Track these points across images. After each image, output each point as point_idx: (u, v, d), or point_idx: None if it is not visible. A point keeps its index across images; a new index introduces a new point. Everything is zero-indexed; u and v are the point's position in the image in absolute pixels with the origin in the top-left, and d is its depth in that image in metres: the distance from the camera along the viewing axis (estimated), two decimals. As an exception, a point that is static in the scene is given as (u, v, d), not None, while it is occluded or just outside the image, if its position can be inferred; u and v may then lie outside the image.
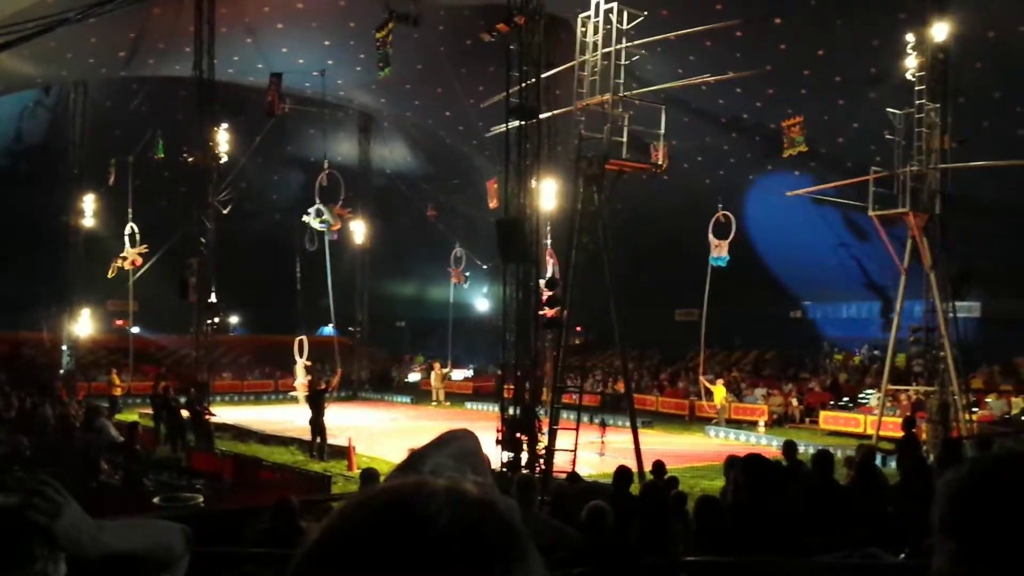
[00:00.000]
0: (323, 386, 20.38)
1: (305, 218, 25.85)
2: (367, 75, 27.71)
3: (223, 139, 24.35)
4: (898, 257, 18.79)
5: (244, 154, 27.87)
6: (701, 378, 24.90)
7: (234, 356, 35.65)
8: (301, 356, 24.50)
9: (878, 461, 9.78)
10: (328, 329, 29.59)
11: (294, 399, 26.31)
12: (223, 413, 23.83)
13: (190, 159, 23.72)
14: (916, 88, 18.28)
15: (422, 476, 0.83)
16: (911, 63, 18.37)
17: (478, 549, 0.70)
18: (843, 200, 21.84)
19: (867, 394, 25.02)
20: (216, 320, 24.39)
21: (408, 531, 0.70)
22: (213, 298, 23.43)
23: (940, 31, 17.93)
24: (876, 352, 26.67)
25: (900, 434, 14.36)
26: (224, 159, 24.45)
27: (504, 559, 0.70)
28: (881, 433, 18.77)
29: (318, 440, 18.72)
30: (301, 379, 24.84)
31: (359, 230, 33.79)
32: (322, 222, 25.71)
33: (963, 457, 7.32)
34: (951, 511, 1.30)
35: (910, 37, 18.33)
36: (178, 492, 10.78)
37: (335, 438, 18.83)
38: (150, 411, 21.91)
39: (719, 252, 23.04)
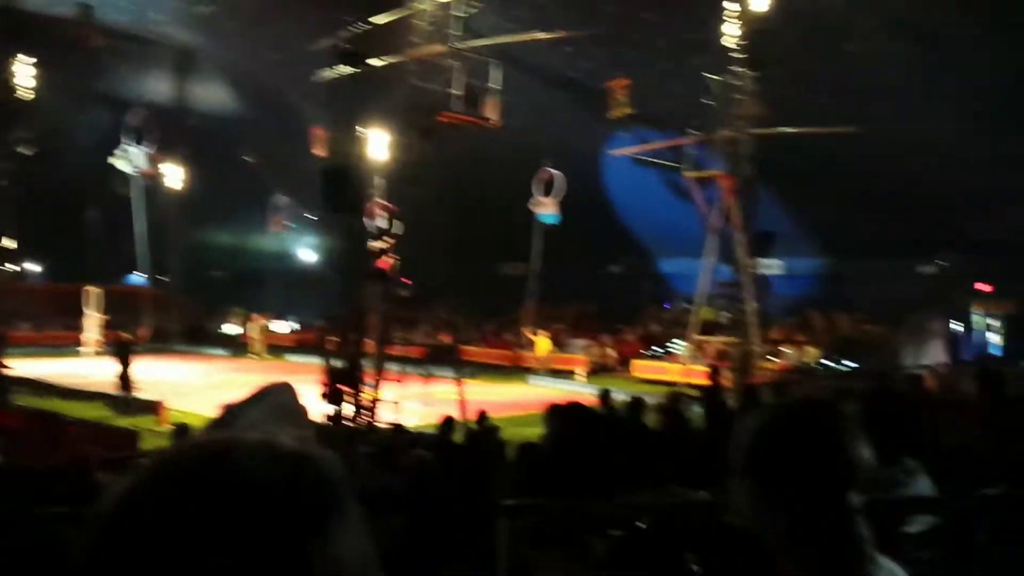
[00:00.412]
0: (129, 337, 19.28)
1: (112, 159, 24.19)
2: (186, 10, 26.05)
3: (26, 73, 22.23)
4: (709, 217, 19.84)
5: (49, 91, 25.62)
6: (525, 330, 25.51)
7: (35, 306, 33.05)
8: (91, 307, 23.13)
9: (685, 407, 10.37)
10: (136, 278, 28.03)
11: (83, 353, 25.14)
12: (20, 366, 22.16)
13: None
14: (733, 56, 19.18)
15: (235, 431, 0.79)
16: (730, 31, 19.23)
17: (294, 503, 0.68)
18: (663, 161, 22.79)
19: (676, 344, 26.47)
20: (15, 268, 22.54)
21: (220, 487, 0.67)
22: (9, 243, 21.59)
23: (759, 1, 18.82)
24: (686, 305, 28.23)
25: (706, 382, 15.34)
26: (27, 95, 22.37)
27: (321, 513, 0.69)
28: (689, 380, 19.95)
29: (125, 394, 17.85)
30: (93, 332, 23.54)
31: (174, 174, 32.01)
32: (133, 166, 24.17)
33: (761, 402, 7.88)
34: (748, 452, 1.40)
35: (730, 5, 19.16)
36: (-32, 451, 9.98)
37: (144, 392, 17.98)
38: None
39: (546, 209, 23.57)
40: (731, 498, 1.43)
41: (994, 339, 23.10)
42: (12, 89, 21.82)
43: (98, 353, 26.07)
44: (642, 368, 25.31)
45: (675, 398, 9.05)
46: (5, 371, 18.87)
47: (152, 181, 26.46)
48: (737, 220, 19.27)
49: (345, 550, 0.69)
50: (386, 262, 15.11)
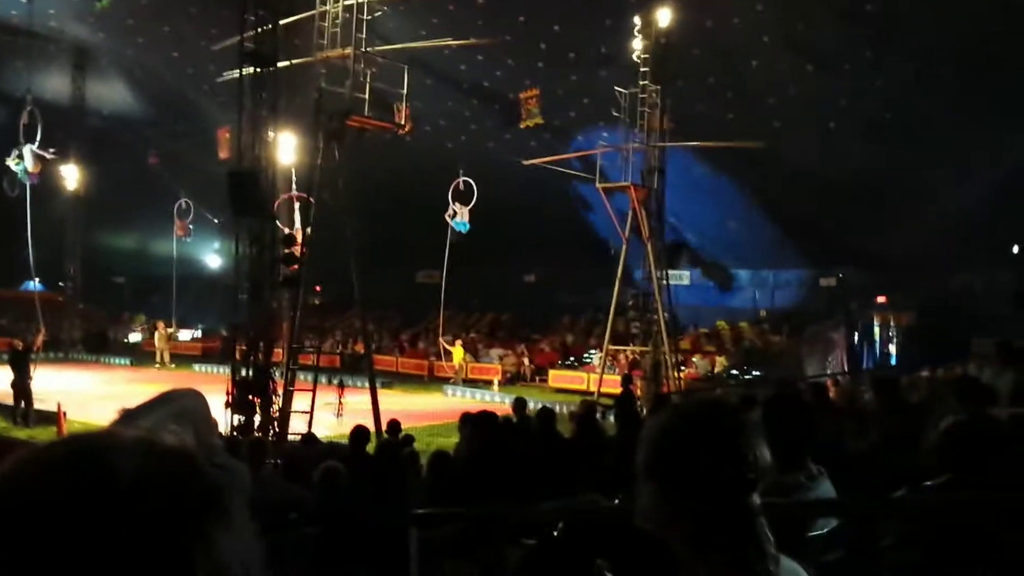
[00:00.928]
0: (23, 346, 18.40)
1: (8, 161, 23.17)
2: (83, 5, 25.11)
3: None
4: (620, 227, 20.16)
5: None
6: (440, 339, 25.41)
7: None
8: None
9: (598, 415, 10.51)
10: (32, 284, 26.85)
11: None
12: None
13: None
14: (641, 69, 19.59)
15: (113, 428, 0.75)
16: (637, 45, 19.65)
17: (170, 503, 0.64)
18: (573, 172, 23.06)
19: (591, 354, 26.79)
20: None
21: (91, 483, 0.62)
22: None
23: (664, 17, 19.31)
24: (600, 315, 28.59)
25: (618, 390, 15.56)
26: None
27: (200, 514, 0.65)
28: (602, 390, 20.21)
29: (22, 405, 17.08)
30: None
31: (71, 175, 30.78)
32: (18, 165, 23.19)
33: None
34: (651, 455, 1.41)
35: (637, 20, 19.59)
36: None
37: (43, 403, 17.23)
38: None
39: (461, 217, 23.56)
40: (638, 503, 1.43)
41: (891, 349, 24.11)
42: None
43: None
44: (558, 378, 25.52)
45: (588, 407, 9.14)
46: None
47: (49, 182, 25.35)
48: (645, 230, 19.62)
49: (229, 553, 0.66)
50: (295, 268, 14.83)
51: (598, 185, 20.26)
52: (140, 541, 0.61)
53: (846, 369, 21.66)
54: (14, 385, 17.16)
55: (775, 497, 2.44)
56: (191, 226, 30.84)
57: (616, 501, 4.42)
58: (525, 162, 23.21)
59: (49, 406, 16.76)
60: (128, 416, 1.39)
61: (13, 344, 18.33)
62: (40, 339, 20.77)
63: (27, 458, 0.66)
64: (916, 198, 21.94)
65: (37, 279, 25.39)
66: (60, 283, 32.97)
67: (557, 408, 15.10)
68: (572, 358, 27.71)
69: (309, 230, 15.54)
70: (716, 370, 24.50)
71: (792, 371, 22.17)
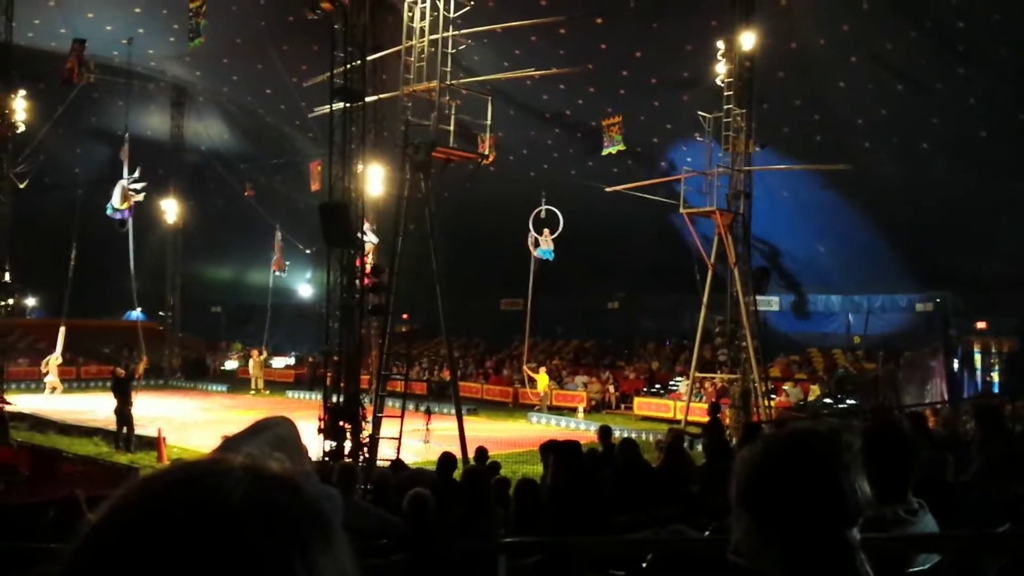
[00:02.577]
0: (125, 374, 19.10)
1: (113, 195, 24.42)
2: (181, 46, 26.29)
3: (20, 107, 22.36)
4: (706, 253, 19.90)
5: (44, 124, 25.75)
6: (525, 367, 25.45)
7: (31, 340, 32.98)
8: (56, 347, 23.35)
9: (686, 444, 10.34)
10: (135, 314, 28.03)
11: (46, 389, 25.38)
12: (19, 401, 22.06)
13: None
14: (724, 93, 19.39)
15: (222, 455, 0.80)
16: (721, 69, 19.47)
17: (275, 527, 0.67)
18: (657, 197, 22.91)
19: (677, 382, 26.41)
20: (10, 302, 22.46)
21: (200, 507, 0.66)
22: (7, 277, 21.54)
23: (747, 40, 19.09)
24: (685, 342, 28.19)
25: (706, 419, 15.29)
26: (21, 128, 22.45)
27: (303, 538, 0.68)
28: (689, 418, 19.88)
29: (124, 430, 17.71)
30: (53, 375, 23.85)
31: (170, 209, 32.11)
32: (126, 201, 24.34)
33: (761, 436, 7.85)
34: (745, 486, 1.38)
35: (720, 44, 19.42)
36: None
37: (144, 428, 17.88)
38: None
39: (545, 245, 23.62)
40: (731, 535, 1.40)
41: (993, 376, 23.08)
42: (14, 125, 21.88)
43: (53, 390, 26.26)
44: (643, 405, 25.25)
45: (675, 435, 9.01)
46: (3, 406, 18.76)
47: (150, 216, 26.57)
48: (731, 255, 19.31)
49: (329, 573, 0.69)
50: (382, 297, 15.11)
51: (683, 210, 20.06)
52: (247, 561, 0.65)
53: (946, 397, 20.80)
54: (117, 411, 17.83)
55: (874, 531, 2.35)
56: (286, 262, 31.82)
57: (706, 533, 4.33)
58: (608, 189, 23.16)
59: (150, 431, 17.39)
60: (228, 444, 1.46)
61: (115, 372, 19.09)
62: (141, 367, 21.65)
63: (143, 483, 0.70)
64: (1014, 218, 21.04)
65: (139, 309, 26.49)
66: (160, 313, 34.28)
67: (643, 436, 14.95)
68: (658, 385, 27.38)
69: (396, 260, 15.81)
70: (809, 399, 23.84)
71: (889, 400, 21.41)
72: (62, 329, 24.17)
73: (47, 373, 26.76)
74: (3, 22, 21.03)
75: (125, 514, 0.67)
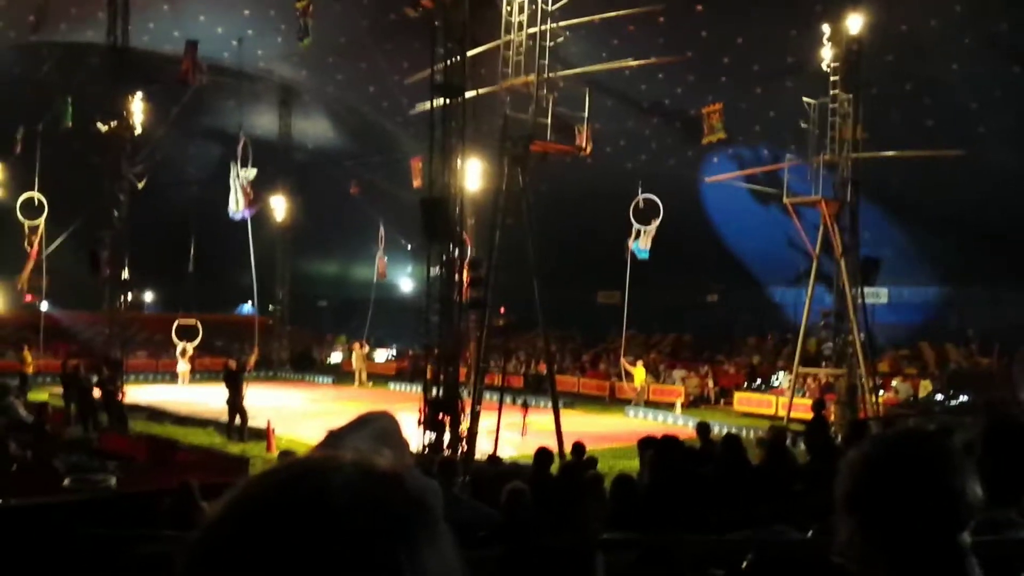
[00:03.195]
0: (236, 366, 19.80)
1: (231, 194, 25.47)
2: (287, 46, 27.13)
3: (137, 109, 23.48)
4: (810, 243, 19.35)
5: (159, 125, 26.98)
6: (623, 360, 25.29)
7: (148, 334, 34.65)
8: (182, 339, 24.17)
9: (788, 442, 10.10)
10: (247, 307, 29.10)
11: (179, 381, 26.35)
12: (137, 393, 23.17)
13: (103, 128, 22.79)
14: (831, 79, 18.80)
15: (330, 451, 0.83)
16: (826, 54, 18.88)
17: (383, 522, 0.70)
18: (759, 187, 22.39)
19: (778, 376, 25.79)
20: (129, 297, 23.64)
21: (310, 504, 0.70)
22: (126, 274, 22.67)
23: (854, 23, 18.46)
24: (788, 336, 27.48)
25: (810, 415, 14.88)
26: (138, 130, 23.57)
27: (410, 533, 0.71)
28: (792, 415, 19.39)
29: (236, 421, 18.33)
30: (183, 365, 24.71)
31: (279, 206, 33.16)
32: (240, 199, 25.26)
33: (868, 436, 7.60)
34: (852, 488, 1.35)
35: (826, 28, 18.83)
36: (89, 473, 10.47)
37: (253, 419, 18.48)
38: (61, 390, 21.16)
39: (643, 245, 23.28)
40: (836, 537, 1.37)
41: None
42: (131, 126, 22.97)
43: (188, 382, 27.29)
44: (744, 401, 24.76)
45: (778, 432, 8.81)
46: (122, 398, 19.76)
47: (259, 212, 27.47)
48: (837, 246, 18.71)
49: (434, 565, 0.72)
50: (481, 291, 15.26)
51: (786, 200, 19.55)
52: (355, 554, 0.69)
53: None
54: (228, 402, 18.52)
55: (986, 535, 2.26)
56: (385, 257, 32.52)
57: (809, 533, 4.22)
58: (708, 179, 22.78)
59: (259, 423, 18.01)
60: (333, 436, 1.52)
61: (227, 364, 19.81)
62: (253, 359, 22.42)
63: (254, 481, 0.75)
64: None
65: (250, 303, 27.49)
66: (270, 307, 35.47)
67: (743, 432, 14.65)
68: (759, 380, 26.78)
69: (494, 254, 15.94)
70: (920, 395, 22.93)
71: (1004, 395, 20.39)
72: (196, 322, 24.99)
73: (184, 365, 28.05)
74: (120, 27, 22.08)
75: (241, 511, 0.71)
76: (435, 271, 14.74)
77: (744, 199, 24.90)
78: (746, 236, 27.42)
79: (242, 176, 25.71)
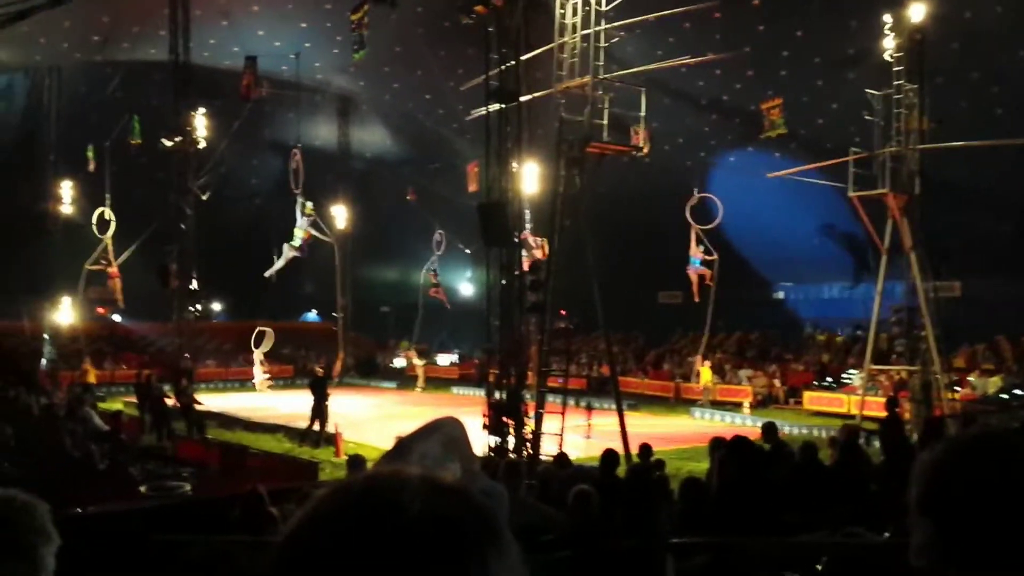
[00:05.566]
0: (324, 372, 19.94)
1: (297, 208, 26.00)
2: (344, 58, 27.49)
3: (200, 124, 24.07)
4: (878, 238, 18.90)
5: (222, 139, 27.62)
6: (698, 357, 25.00)
7: (217, 343, 35.47)
8: (258, 347, 24.52)
9: (861, 441, 9.88)
10: (312, 315, 29.56)
11: (253, 387, 26.73)
12: (208, 401, 23.74)
13: (169, 144, 23.43)
14: (894, 69, 18.34)
15: (398, 465, 0.85)
16: (889, 44, 18.43)
17: (451, 538, 0.72)
18: (823, 181, 21.93)
19: (850, 374, 25.22)
20: (198, 307, 24.24)
21: (381, 520, 0.72)
22: (194, 285, 23.25)
23: (917, 12, 17.98)
24: (859, 332, 26.88)
25: (883, 414, 14.50)
26: (202, 144, 24.17)
27: (478, 548, 0.73)
28: (864, 413, 18.94)
29: (315, 427, 18.48)
30: (259, 375, 25.12)
31: (340, 215, 33.64)
32: (303, 209, 25.75)
33: (945, 435, 7.40)
34: (928, 491, 1.30)
35: (887, 18, 18.38)
36: (165, 480, 10.76)
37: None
38: (132, 399, 21.80)
39: (695, 254, 23.10)
40: (912, 540, 1.33)
41: None
42: (195, 140, 23.55)
43: (268, 388, 27.65)
44: (814, 400, 24.28)
45: (851, 431, 8.62)
46: (198, 406, 20.25)
47: (320, 219, 28.00)
48: (907, 239, 18.23)
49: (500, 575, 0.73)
50: (540, 294, 15.25)
51: (851, 194, 19.12)
52: (424, 569, 0.70)
53: None
54: (314, 408, 18.58)
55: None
56: (437, 255, 32.62)
57: (885, 535, 4.12)
58: (770, 175, 22.39)
59: (328, 428, 18.27)
60: (402, 443, 1.54)
61: (314, 370, 19.99)
62: (339, 365, 22.65)
63: (328, 496, 0.77)
64: None
65: (314, 311, 27.90)
66: (333, 314, 36.01)
67: (814, 432, 14.40)
68: (829, 379, 26.22)
69: (553, 256, 15.92)
70: (990, 391, 22.19)
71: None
72: (269, 331, 25.42)
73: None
74: (182, 44, 22.64)
75: (314, 526, 0.74)
76: (494, 275, 14.78)
77: (807, 194, 24.40)
78: (812, 231, 26.90)
79: (300, 223, 26.17)
